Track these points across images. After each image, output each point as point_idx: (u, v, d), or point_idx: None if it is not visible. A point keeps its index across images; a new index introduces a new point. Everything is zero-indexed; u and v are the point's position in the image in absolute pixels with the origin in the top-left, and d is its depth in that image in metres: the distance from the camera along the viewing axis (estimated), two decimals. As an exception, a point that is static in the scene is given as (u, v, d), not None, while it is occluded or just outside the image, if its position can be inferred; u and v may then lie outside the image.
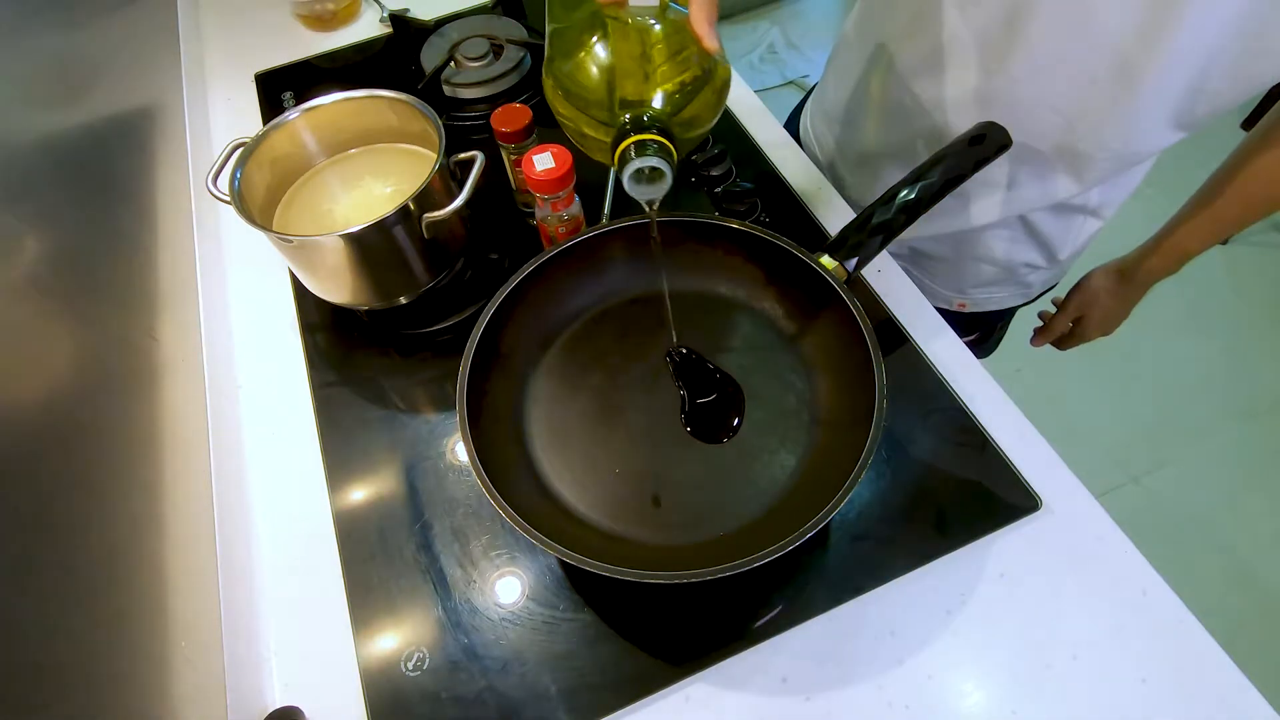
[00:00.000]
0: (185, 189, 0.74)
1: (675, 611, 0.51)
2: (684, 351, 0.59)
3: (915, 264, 0.79)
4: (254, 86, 0.89)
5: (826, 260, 0.53)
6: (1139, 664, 0.47)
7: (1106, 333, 0.80)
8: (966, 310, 0.81)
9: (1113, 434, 1.56)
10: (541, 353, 0.59)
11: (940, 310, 0.71)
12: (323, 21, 0.94)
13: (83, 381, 0.49)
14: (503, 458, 0.51)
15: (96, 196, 0.61)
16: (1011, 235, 0.72)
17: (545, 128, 0.80)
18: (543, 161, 0.59)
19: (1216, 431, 1.56)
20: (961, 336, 0.79)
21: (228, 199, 0.57)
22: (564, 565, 0.53)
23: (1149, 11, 0.47)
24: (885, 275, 0.67)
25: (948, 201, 0.56)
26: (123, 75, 0.77)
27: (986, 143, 0.52)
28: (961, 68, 0.59)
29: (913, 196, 0.52)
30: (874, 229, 0.53)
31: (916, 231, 0.71)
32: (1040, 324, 0.86)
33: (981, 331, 0.86)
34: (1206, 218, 0.66)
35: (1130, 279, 0.75)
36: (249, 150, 0.59)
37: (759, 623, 0.50)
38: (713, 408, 0.56)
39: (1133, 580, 0.50)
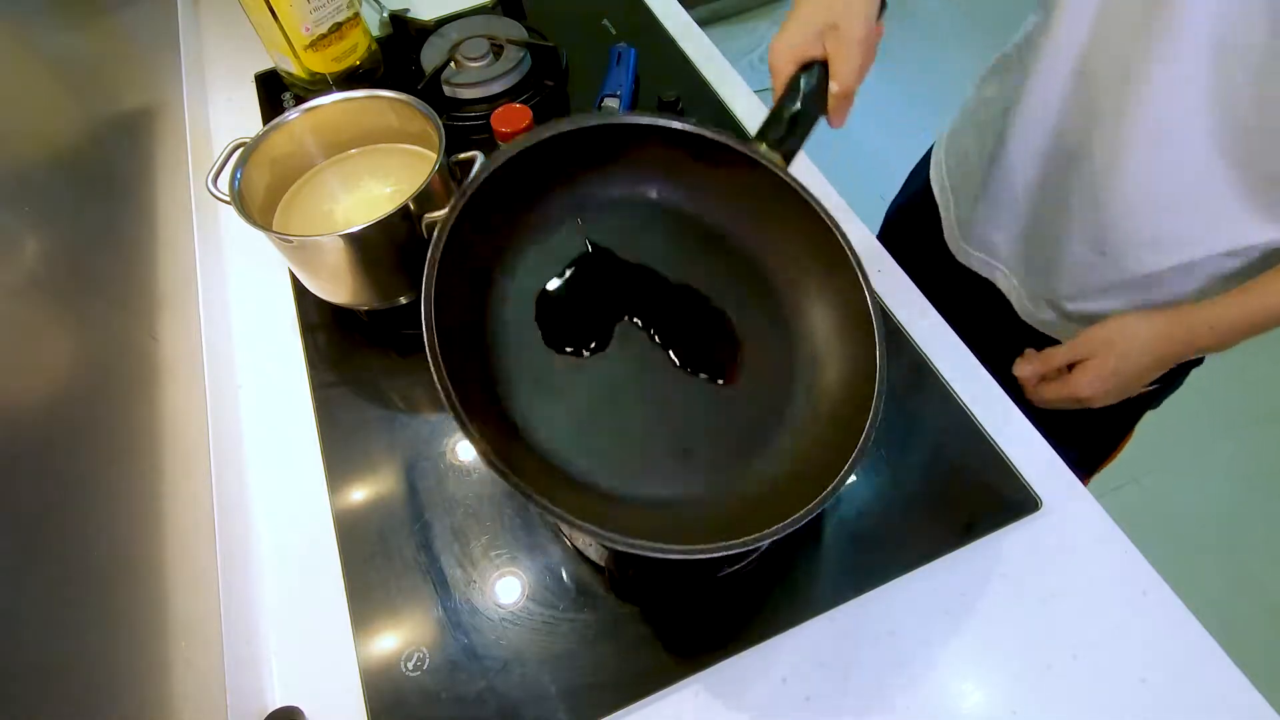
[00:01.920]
0: (185, 189, 0.74)
1: (675, 611, 0.51)
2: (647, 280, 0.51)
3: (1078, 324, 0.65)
4: (254, 86, 0.89)
5: (765, 149, 0.50)
6: (1139, 664, 0.47)
7: (1102, 401, 0.58)
8: None
9: (1113, 434, 1.56)
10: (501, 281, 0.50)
11: None
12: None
13: (83, 381, 0.49)
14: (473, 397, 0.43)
15: (96, 196, 0.61)
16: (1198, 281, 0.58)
17: (545, 128, 0.80)
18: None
19: (1217, 431, 1.56)
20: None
21: (228, 199, 0.57)
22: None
23: None
24: (885, 275, 0.67)
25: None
26: (123, 75, 0.77)
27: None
28: None
29: (814, 85, 0.50)
30: (789, 120, 0.50)
31: (1092, 283, 0.63)
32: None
33: (1164, 383, 0.66)
34: None
35: (1185, 321, 0.55)
36: (249, 150, 0.59)
37: (759, 623, 0.50)
38: (700, 337, 0.50)
39: (1133, 580, 0.50)
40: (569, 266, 0.51)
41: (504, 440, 0.43)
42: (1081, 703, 0.46)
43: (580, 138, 0.49)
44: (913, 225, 0.82)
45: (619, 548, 0.39)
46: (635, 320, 0.50)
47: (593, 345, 0.49)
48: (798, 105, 0.50)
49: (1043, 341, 0.68)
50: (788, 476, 0.46)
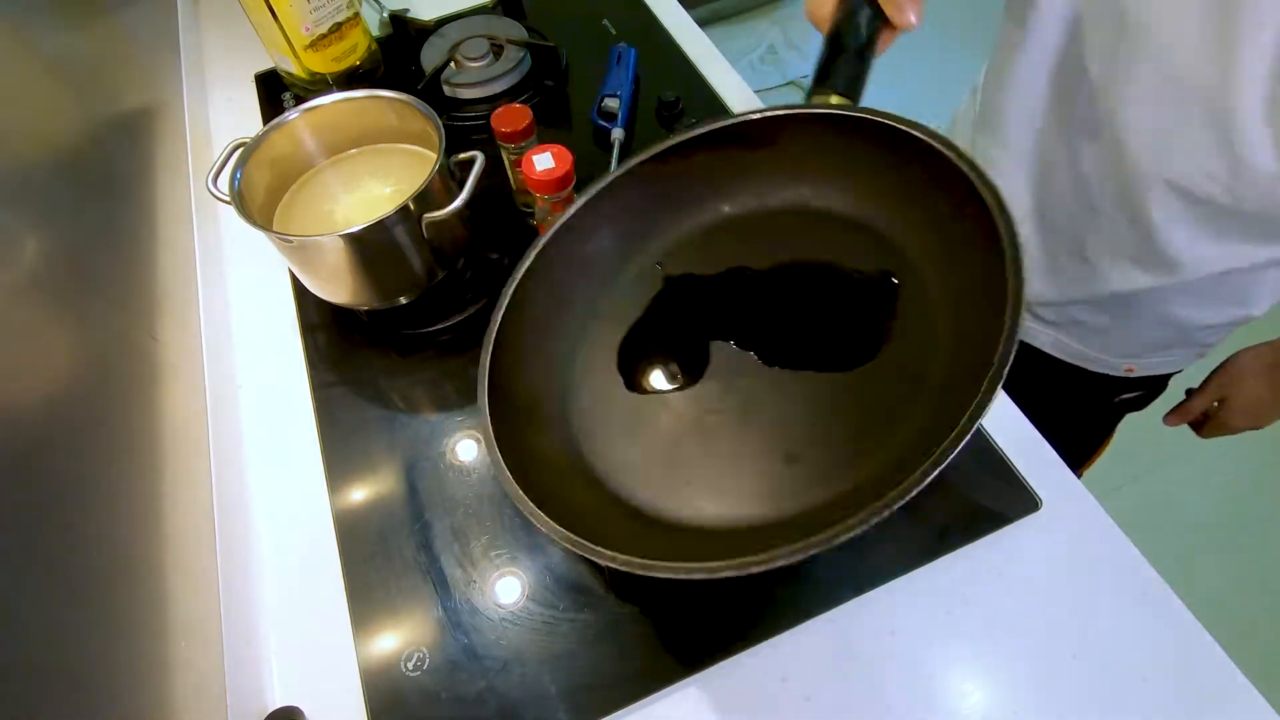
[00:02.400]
0: (185, 189, 0.74)
1: (675, 611, 0.51)
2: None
3: (1072, 334, 0.69)
4: (254, 86, 0.89)
5: (835, 99, 0.44)
6: (1139, 664, 0.47)
7: (1257, 425, 0.66)
8: (1135, 374, 0.70)
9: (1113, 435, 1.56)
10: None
11: (1103, 375, 0.67)
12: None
13: (83, 381, 0.49)
14: (528, 445, 0.43)
15: (96, 196, 0.61)
16: (1189, 296, 0.59)
17: (545, 128, 0.80)
18: (543, 161, 0.59)
19: (1216, 431, 1.56)
20: (1122, 394, 0.72)
21: (228, 199, 0.57)
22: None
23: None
24: (885, 275, 0.67)
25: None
26: (123, 75, 0.77)
27: None
28: None
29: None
30: (854, 52, 0.44)
31: (1075, 295, 0.64)
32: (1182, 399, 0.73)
33: (1148, 390, 0.74)
34: None
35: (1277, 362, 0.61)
36: (249, 150, 0.59)
37: (759, 623, 0.50)
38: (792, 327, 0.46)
39: (1133, 580, 0.50)
40: (649, 304, 0.49)
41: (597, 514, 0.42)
42: (1081, 703, 0.46)
43: (634, 181, 0.47)
44: None
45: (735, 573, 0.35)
46: (726, 337, 0.47)
47: (685, 375, 0.46)
48: (861, 35, 0.43)
49: (1032, 356, 0.70)
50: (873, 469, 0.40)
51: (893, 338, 0.45)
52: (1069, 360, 0.70)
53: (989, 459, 0.55)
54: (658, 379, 0.47)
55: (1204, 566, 1.39)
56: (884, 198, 0.46)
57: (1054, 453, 0.56)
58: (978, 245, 0.38)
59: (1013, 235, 0.36)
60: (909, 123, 0.42)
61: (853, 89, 0.44)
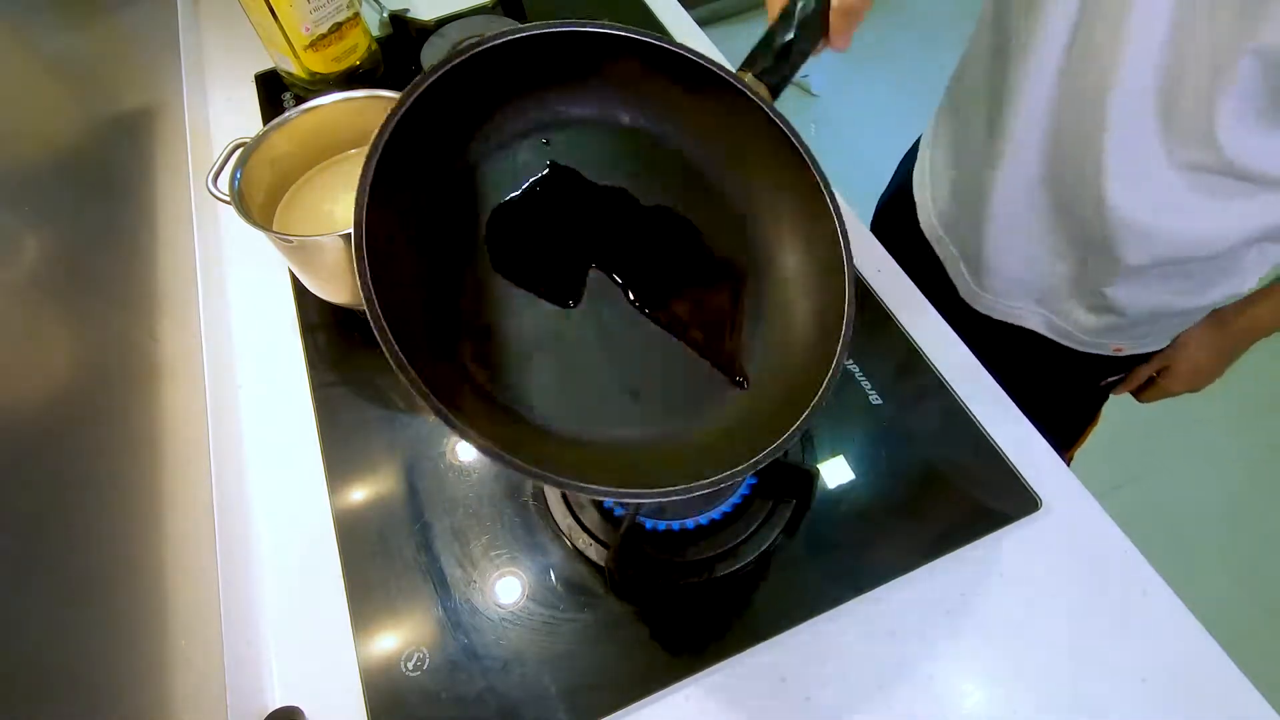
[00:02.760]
0: (185, 189, 0.74)
1: (675, 611, 0.51)
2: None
3: (1064, 316, 0.70)
4: (254, 86, 0.89)
5: (751, 80, 0.46)
6: (1139, 664, 0.47)
7: (1194, 388, 0.72)
8: (1124, 354, 0.71)
9: (1113, 434, 1.56)
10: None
11: (1090, 355, 0.69)
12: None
13: (83, 381, 0.49)
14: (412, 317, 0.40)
15: (96, 196, 0.61)
16: (1187, 281, 0.61)
17: (545, 128, 0.80)
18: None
19: (1217, 431, 1.56)
20: (1108, 377, 0.76)
21: (228, 199, 0.57)
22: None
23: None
24: (885, 275, 0.67)
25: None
26: (123, 75, 0.77)
27: None
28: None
29: (813, 6, 0.46)
30: (780, 49, 0.46)
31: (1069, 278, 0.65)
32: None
33: (1129, 370, 0.77)
34: None
35: (1230, 329, 0.66)
36: (249, 150, 0.59)
37: (759, 623, 0.50)
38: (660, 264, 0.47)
39: (1133, 580, 0.50)
40: (528, 185, 0.46)
41: (454, 386, 0.39)
42: (1081, 703, 0.46)
43: (548, 45, 0.43)
44: (896, 219, 0.83)
45: (590, 495, 0.36)
46: (601, 265, 0.46)
47: (555, 287, 0.45)
48: (792, 33, 0.45)
49: (1013, 332, 0.71)
50: (741, 426, 0.43)
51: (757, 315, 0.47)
52: (1059, 340, 0.71)
53: (989, 459, 0.55)
54: (524, 274, 0.45)
55: (1204, 566, 1.40)
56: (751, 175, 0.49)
57: (1054, 453, 0.56)
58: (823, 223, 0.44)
59: (830, 191, 0.43)
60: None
61: (770, 77, 0.46)
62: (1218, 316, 0.67)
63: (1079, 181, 0.56)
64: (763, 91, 0.46)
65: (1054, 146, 0.57)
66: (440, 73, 0.40)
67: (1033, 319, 0.71)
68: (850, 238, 0.44)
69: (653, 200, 0.48)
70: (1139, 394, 0.78)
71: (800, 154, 0.45)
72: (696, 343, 0.46)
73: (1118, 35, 0.48)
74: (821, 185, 0.44)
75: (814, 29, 0.46)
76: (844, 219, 0.44)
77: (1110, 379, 0.77)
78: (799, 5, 0.46)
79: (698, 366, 0.46)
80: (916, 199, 0.79)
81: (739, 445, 0.40)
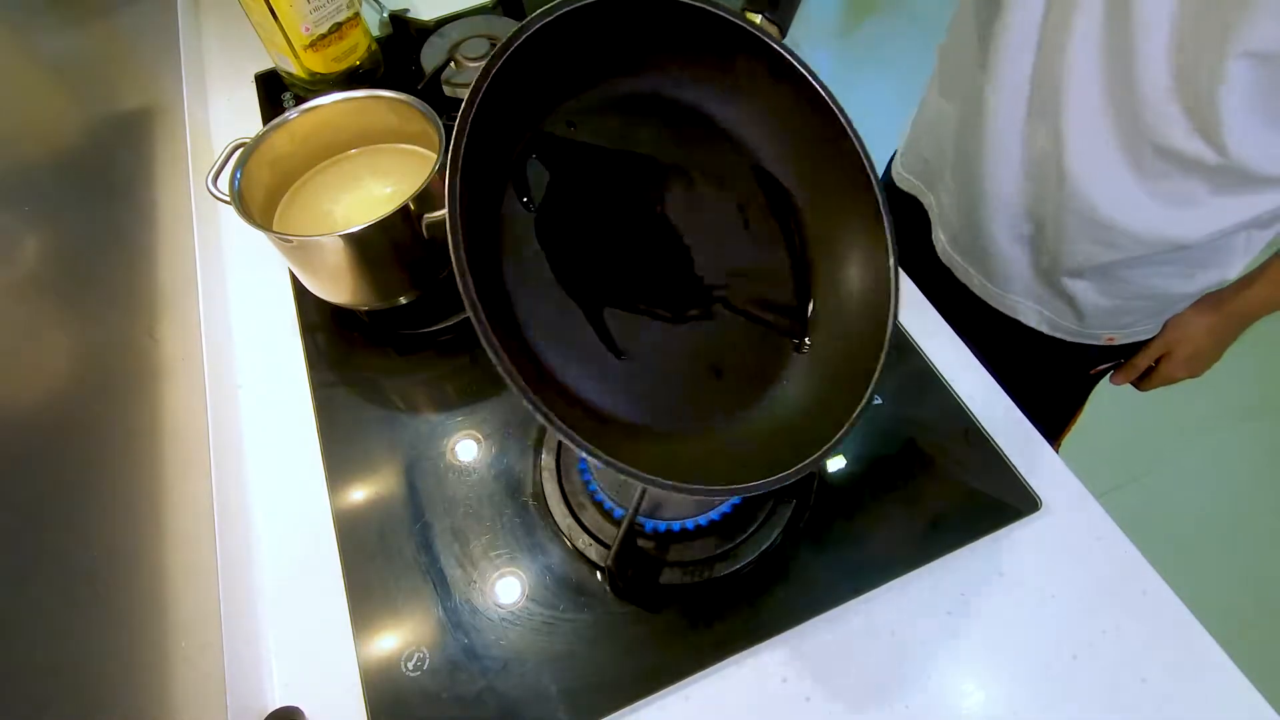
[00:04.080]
0: (185, 189, 0.74)
1: (675, 612, 0.51)
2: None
3: (1056, 308, 0.70)
4: (254, 86, 0.89)
5: (752, 15, 0.46)
6: (1139, 664, 0.47)
7: (1194, 373, 0.72)
8: (1116, 343, 0.72)
9: (1113, 434, 1.56)
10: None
11: (1082, 345, 0.70)
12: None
13: (83, 381, 0.49)
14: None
15: (96, 196, 0.61)
16: (1173, 267, 0.62)
17: (545, 128, 0.80)
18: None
19: (1216, 431, 1.56)
20: (1098, 365, 0.77)
21: (228, 199, 0.57)
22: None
23: None
24: (885, 275, 0.67)
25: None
26: (123, 75, 0.77)
27: None
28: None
29: None
30: None
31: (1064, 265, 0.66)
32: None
33: (1125, 358, 0.77)
34: None
35: (1226, 311, 0.66)
36: (249, 150, 0.59)
37: (759, 623, 0.50)
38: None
39: (1133, 580, 0.50)
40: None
41: (529, 366, 0.40)
42: (1081, 703, 0.46)
43: (616, 17, 0.41)
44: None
45: (641, 482, 0.36)
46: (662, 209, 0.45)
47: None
48: None
49: (1006, 323, 0.72)
50: (781, 429, 0.45)
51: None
52: (1052, 334, 0.72)
53: (989, 459, 0.55)
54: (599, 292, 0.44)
55: (1204, 566, 1.40)
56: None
57: (1054, 453, 0.56)
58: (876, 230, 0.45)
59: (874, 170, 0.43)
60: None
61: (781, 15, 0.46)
62: (1212, 300, 0.67)
63: (1046, 155, 0.58)
64: (773, 32, 0.45)
65: (1031, 99, 0.57)
66: (540, 25, 0.38)
67: (1029, 313, 0.72)
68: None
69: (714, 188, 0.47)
70: (1139, 383, 0.77)
71: (858, 153, 0.45)
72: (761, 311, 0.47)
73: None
74: (883, 214, 0.44)
75: None
76: (892, 226, 0.45)
77: (1100, 367, 0.78)
78: None
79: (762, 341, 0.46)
80: (901, 151, 0.81)
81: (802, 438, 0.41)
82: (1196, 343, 0.69)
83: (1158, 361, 0.73)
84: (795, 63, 0.44)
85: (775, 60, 0.44)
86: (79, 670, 0.38)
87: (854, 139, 0.44)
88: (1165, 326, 0.71)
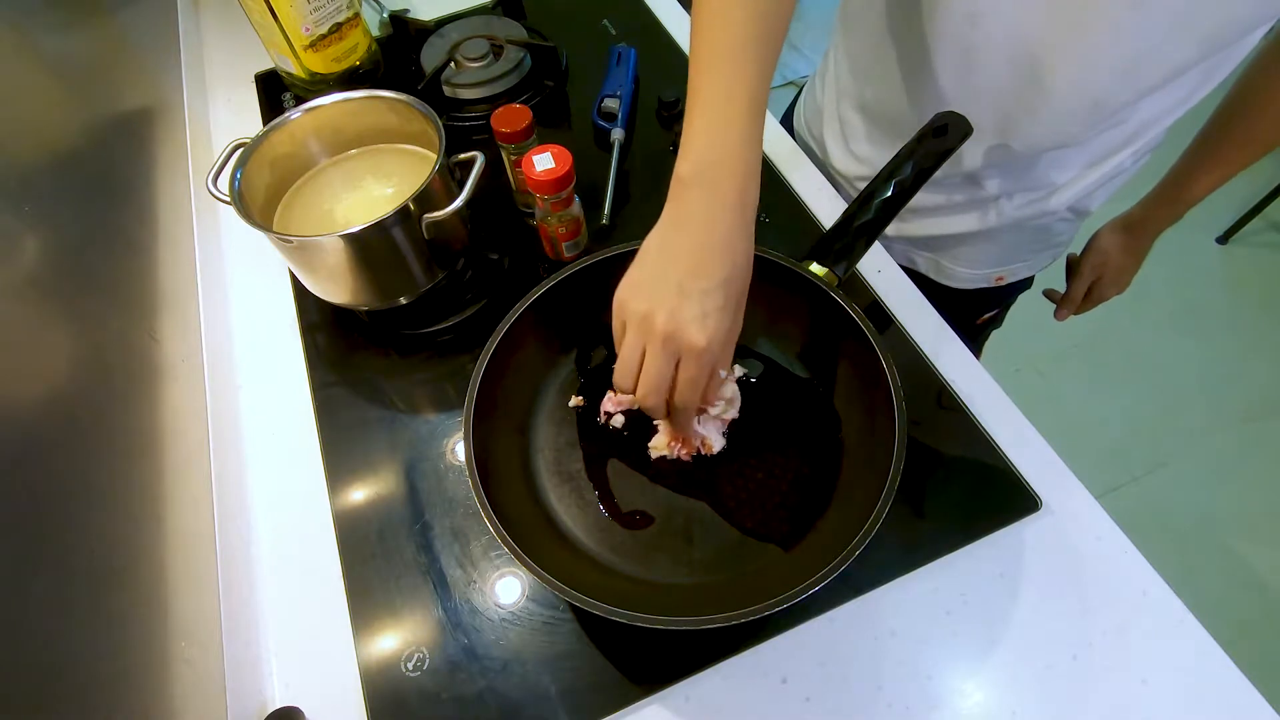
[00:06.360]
0: (185, 189, 0.74)
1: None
2: None
3: (942, 252, 0.77)
4: (254, 86, 0.89)
5: (816, 268, 0.52)
6: (1139, 664, 0.47)
7: (1121, 289, 0.81)
8: (1005, 283, 0.79)
9: (1113, 434, 1.56)
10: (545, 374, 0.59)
11: (971, 291, 0.74)
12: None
13: (83, 381, 0.49)
14: (504, 472, 0.51)
15: (96, 196, 0.61)
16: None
17: (545, 128, 0.80)
18: (543, 162, 0.59)
19: (1216, 431, 1.56)
20: (984, 313, 0.83)
21: (228, 199, 0.57)
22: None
23: None
24: (885, 276, 0.67)
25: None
26: (123, 75, 0.77)
27: (950, 133, 0.52)
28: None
29: (889, 193, 0.51)
30: (856, 230, 0.52)
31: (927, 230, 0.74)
32: (1050, 301, 0.87)
33: (1003, 305, 0.87)
34: (1213, 163, 0.65)
35: (1138, 232, 0.75)
36: (249, 150, 0.59)
37: (759, 623, 0.49)
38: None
39: (1133, 580, 0.50)
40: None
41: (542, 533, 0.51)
42: (1081, 703, 0.46)
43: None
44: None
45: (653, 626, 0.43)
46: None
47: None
48: (871, 214, 0.51)
49: (966, 298, 0.80)
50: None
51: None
52: (943, 282, 0.79)
53: (989, 459, 0.55)
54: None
55: (1204, 566, 1.40)
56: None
57: (1054, 453, 0.56)
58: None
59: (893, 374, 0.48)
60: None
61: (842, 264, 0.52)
62: (1123, 222, 0.77)
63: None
64: (832, 282, 0.51)
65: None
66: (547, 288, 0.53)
67: (920, 261, 0.77)
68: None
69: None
70: (1079, 308, 0.85)
71: (871, 341, 0.50)
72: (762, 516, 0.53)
73: None
74: (884, 362, 0.49)
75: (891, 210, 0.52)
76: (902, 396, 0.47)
77: (985, 315, 0.85)
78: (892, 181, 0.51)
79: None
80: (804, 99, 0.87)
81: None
82: (1119, 262, 0.79)
83: (1091, 287, 0.82)
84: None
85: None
86: (79, 670, 0.38)
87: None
88: (1085, 256, 0.81)
